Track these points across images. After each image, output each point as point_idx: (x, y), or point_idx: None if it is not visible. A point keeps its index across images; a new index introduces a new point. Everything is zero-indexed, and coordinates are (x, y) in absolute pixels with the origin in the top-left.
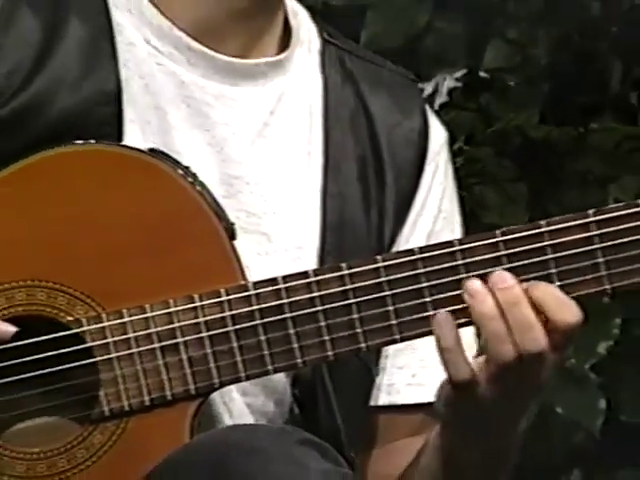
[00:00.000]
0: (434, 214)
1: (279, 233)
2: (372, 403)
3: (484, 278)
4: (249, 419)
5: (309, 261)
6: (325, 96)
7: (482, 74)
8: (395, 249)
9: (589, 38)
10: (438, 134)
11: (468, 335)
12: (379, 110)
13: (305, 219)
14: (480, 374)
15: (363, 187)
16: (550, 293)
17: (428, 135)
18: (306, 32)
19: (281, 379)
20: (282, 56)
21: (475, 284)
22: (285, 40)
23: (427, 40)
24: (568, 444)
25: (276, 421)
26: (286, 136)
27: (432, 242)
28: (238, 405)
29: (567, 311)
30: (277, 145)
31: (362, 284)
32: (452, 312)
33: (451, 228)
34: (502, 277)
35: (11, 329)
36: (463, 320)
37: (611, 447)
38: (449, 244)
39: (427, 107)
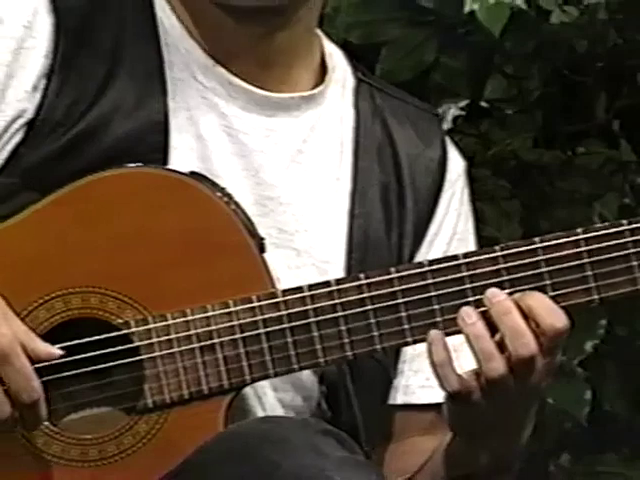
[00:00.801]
0: (449, 235)
1: (308, 249)
2: (390, 402)
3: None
4: (280, 412)
5: (336, 275)
6: (356, 128)
7: (483, 104)
8: None
9: (577, 73)
10: (456, 164)
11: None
12: (403, 141)
13: (333, 237)
14: (472, 385)
15: (385, 210)
16: (541, 301)
17: (446, 165)
18: (341, 71)
19: (309, 377)
20: (315, 91)
21: (466, 310)
22: (321, 77)
23: (435, 74)
24: (558, 430)
25: (304, 414)
26: (317, 162)
27: None
28: (270, 400)
29: (556, 318)
30: (309, 170)
31: (378, 292)
32: (454, 319)
33: (465, 248)
34: (494, 292)
35: (58, 352)
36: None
37: (596, 433)
38: (455, 258)
39: (447, 140)
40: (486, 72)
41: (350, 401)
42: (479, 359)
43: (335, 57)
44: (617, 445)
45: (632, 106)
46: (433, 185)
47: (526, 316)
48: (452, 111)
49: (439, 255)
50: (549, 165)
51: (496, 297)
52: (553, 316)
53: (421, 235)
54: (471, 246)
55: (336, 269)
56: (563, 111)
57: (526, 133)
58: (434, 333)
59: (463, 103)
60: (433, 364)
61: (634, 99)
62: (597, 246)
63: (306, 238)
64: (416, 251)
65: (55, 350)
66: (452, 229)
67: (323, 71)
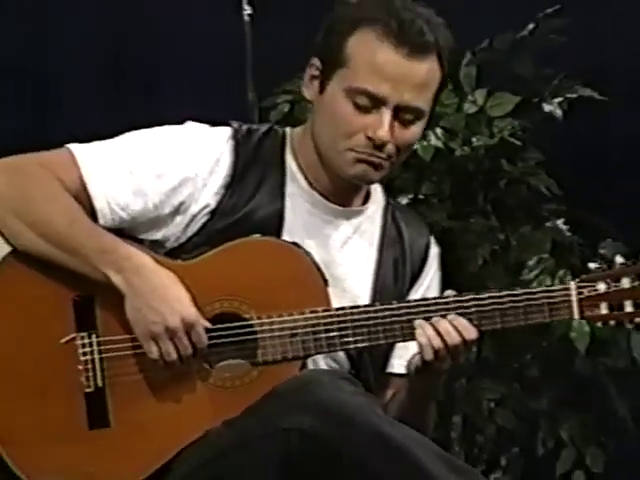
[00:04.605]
0: (426, 285)
1: (350, 289)
2: (387, 370)
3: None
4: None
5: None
6: (383, 227)
7: (420, 196)
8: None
9: (468, 181)
10: (434, 249)
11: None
12: (407, 236)
13: (363, 285)
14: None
15: (395, 271)
16: (463, 323)
17: (428, 250)
18: (379, 195)
19: (342, 354)
20: (363, 207)
21: (421, 322)
22: (365, 197)
23: (396, 181)
24: (459, 366)
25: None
26: (358, 245)
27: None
28: (320, 363)
29: (471, 332)
30: (353, 249)
31: (386, 313)
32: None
33: (433, 293)
34: (438, 321)
35: (208, 324)
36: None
37: (481, 368)
38: (426, 299)
39: (431, 237)
40: (422, 180)
41: (366, 367)
42: (425, 347)
43: (377, 188)
44: (491, 374)
45: (495, 198)
46: (421, 260)
47: (456, 329)
48: (404, 200)
49: (421, 293)
50: (457, 230)
51: (438, 321)
52: (470, 331)
53: (412, 284)
54: (435, 292)
55: (364, 301)
56: (462, 201)
57: (442, 212)
58: (420, 322)
59: (410, 196)
60: (420, 344)
61: (497, 195)
62: (480, 302)
63: (348, 284)
64: (410, 292)
65: (207, 323)
66: (428, 282)
67: (367, 194)
